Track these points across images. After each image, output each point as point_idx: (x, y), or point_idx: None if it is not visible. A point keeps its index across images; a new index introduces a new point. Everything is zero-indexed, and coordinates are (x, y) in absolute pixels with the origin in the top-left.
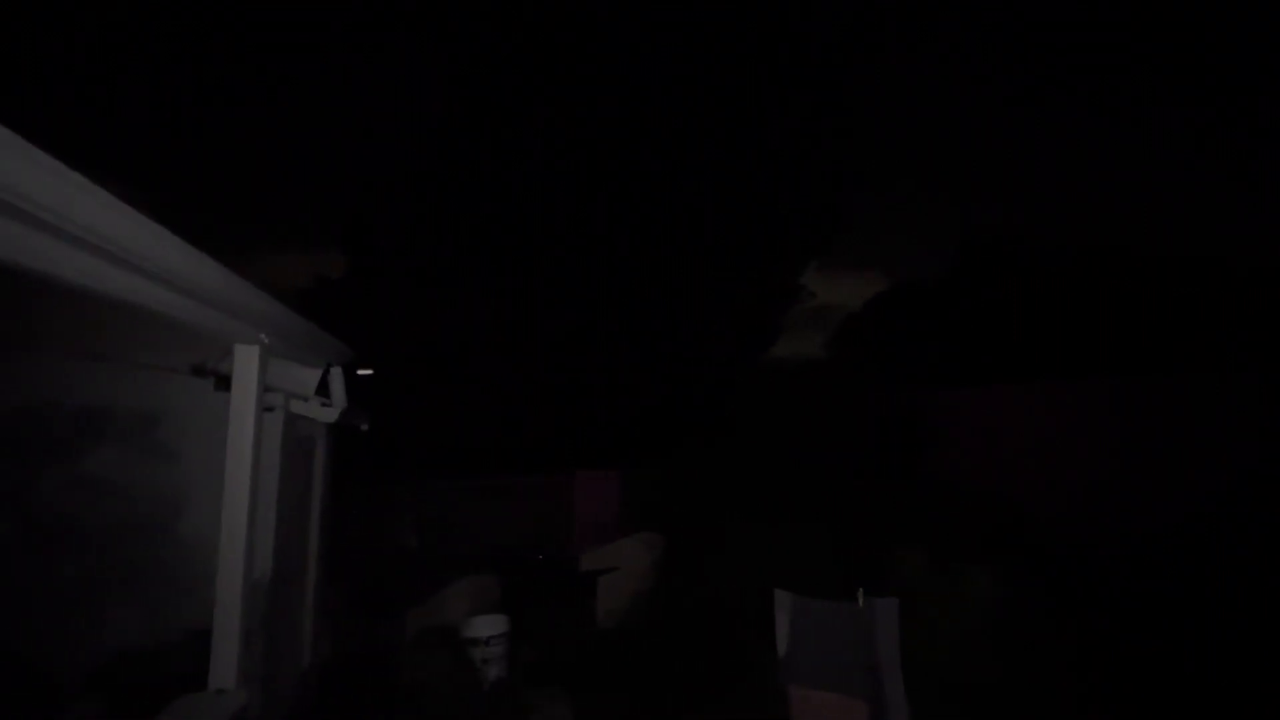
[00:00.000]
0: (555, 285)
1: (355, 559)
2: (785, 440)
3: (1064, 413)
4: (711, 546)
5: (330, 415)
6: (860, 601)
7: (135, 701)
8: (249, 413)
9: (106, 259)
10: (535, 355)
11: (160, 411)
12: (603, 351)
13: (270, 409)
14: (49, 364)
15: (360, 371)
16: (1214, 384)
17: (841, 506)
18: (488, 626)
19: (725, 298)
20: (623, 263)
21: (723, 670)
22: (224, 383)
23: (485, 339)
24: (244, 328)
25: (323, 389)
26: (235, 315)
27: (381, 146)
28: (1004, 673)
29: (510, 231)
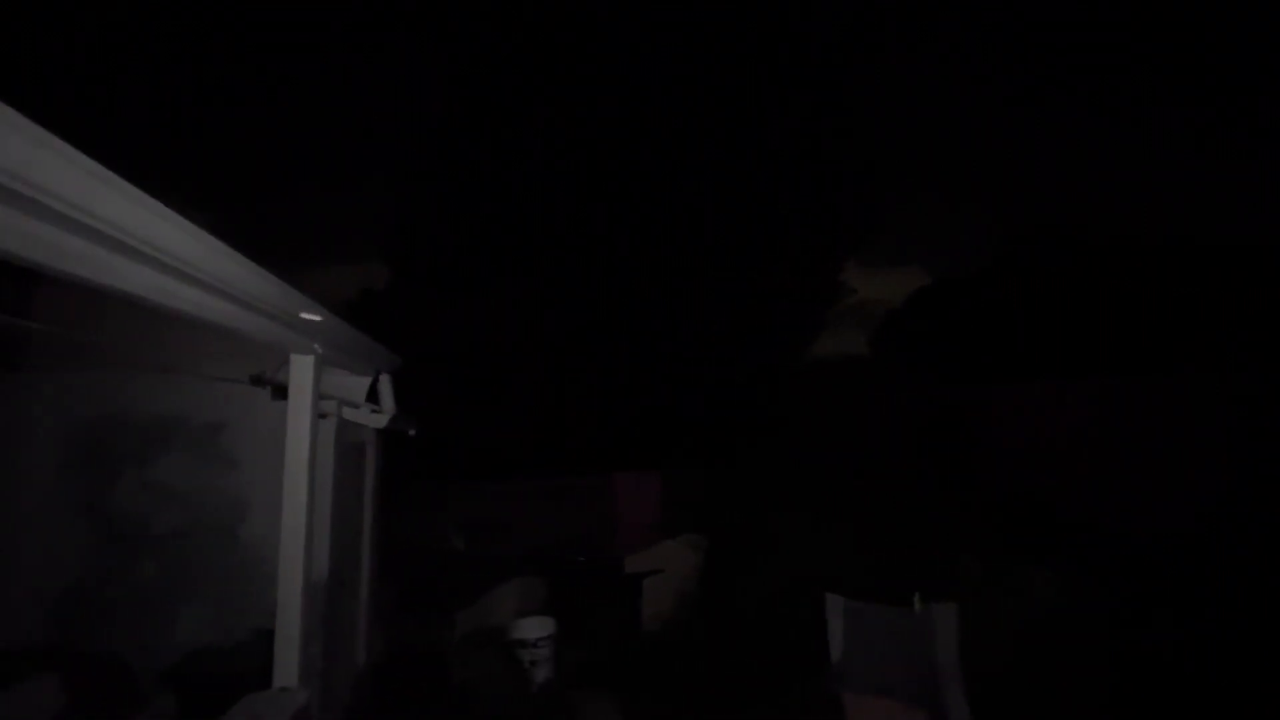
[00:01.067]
0: (597, 288)
1: (405, 560)
2: (830, 439)
3: (1119, 409)
4: (757, 548)
5: (380, 421)
6: (916, 606)
7: (204, 698)
8: (305, 420)
9: (176, 276)
10: (578, 357)
11: (223, 420)
12: (645, 352)
13: (324, 416)
14: (122, 377)
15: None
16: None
17: (890, 507)
18: (535, 628)
19: (766, 295)
20: (662, 263)
21: (773, 675)
22: (280, 392)
23: (529, 342)
24: (299, 339)
25: (372, 396)
26: (291, 327)
27: (422, 156)
28: (1066, 678)
29: (552, 235)
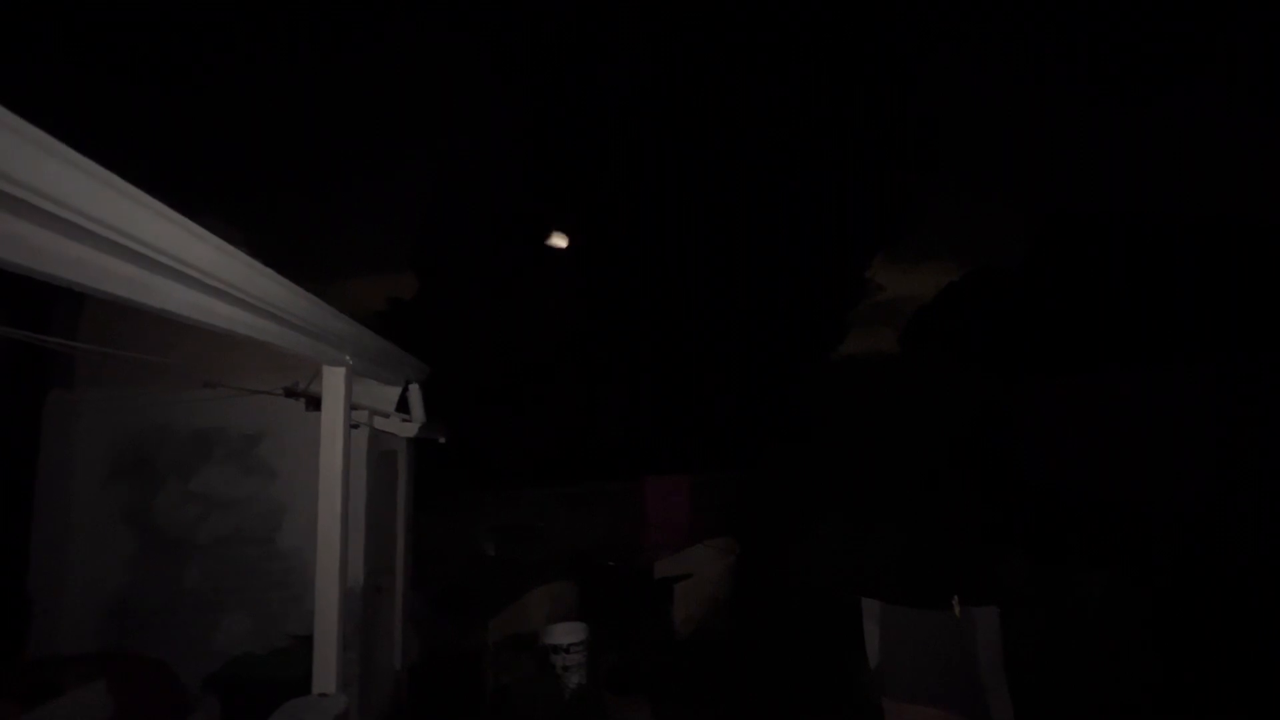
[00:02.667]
0: (625, 292)
1: (438, 566)
2: (863, 439)
3: (1166, 399)
4: (789, 551)
5: (410, 430)
6: (956, 610)
7: (246, 704)
8: (338, 430)
9: (212, 294)
10: (606, 361)
11: (260, 432)
12: (674, 355)
13: (356, 426)
14: (166, 392)
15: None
16: None
17: (926, 507)
18: (567, 634)
19: (794, 294)
20: (690, 265)
21: (808, 680)
22: (314, 403)
23: (557, 347)
24: (331, 351)
25: (402, 405)
26: (323, 340)
27: (448, 164)
28: (1113, 681)
29: (579, 240)
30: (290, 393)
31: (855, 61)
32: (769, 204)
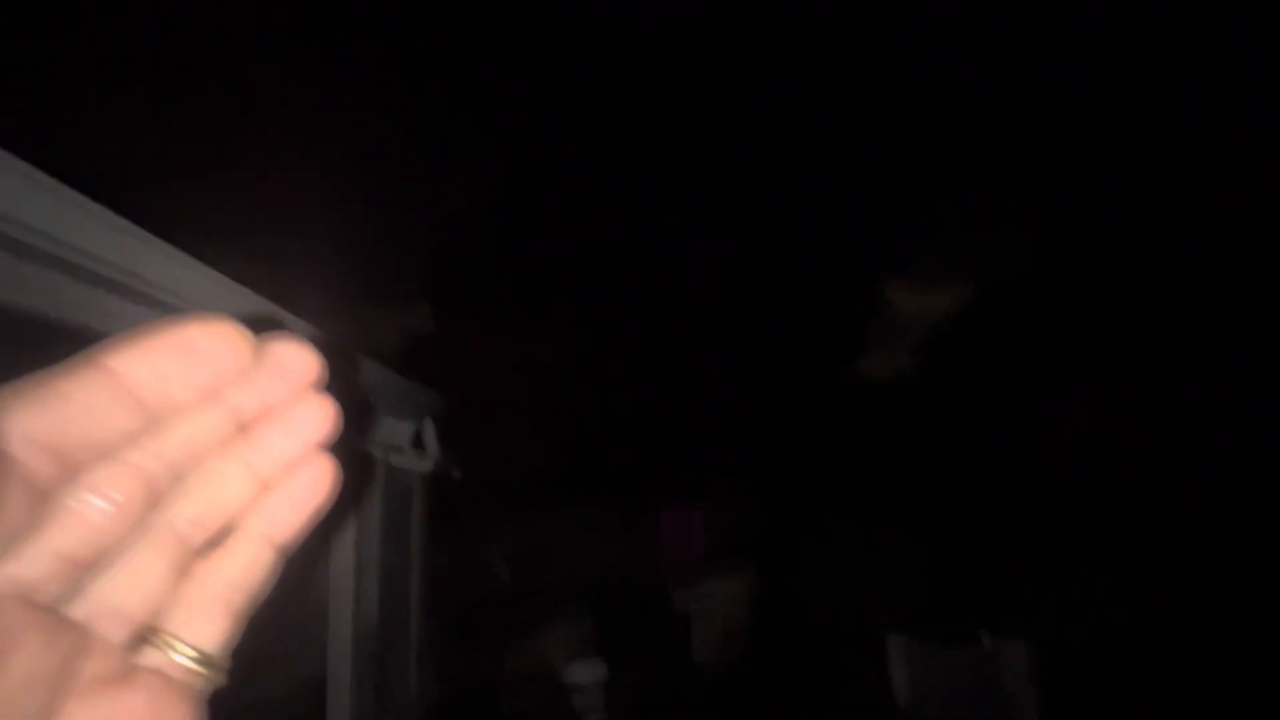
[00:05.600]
0: (638, 315)
1: (453, 600)
2: (882, 461)
3: (1195, 402)
4: (809, 579)
5: (425, 465)
6: (985, 644)
7: None
8: (351, 467)
9: None
10: (618, 386)
11: None
12: (687, 377)
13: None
14: None
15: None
16: None
17: (951, 528)
18: (583, 671)
19: (806, 314)
20: (696, 286)
21: (833, 712)
22: None
23: (570, 371)
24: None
25: (416, 440)
26: (335, 376)
27: (461, 190)
28: (1152, 710)
29: (591, 262)
30: None
31: (866, 76)
32: (780, 220)
